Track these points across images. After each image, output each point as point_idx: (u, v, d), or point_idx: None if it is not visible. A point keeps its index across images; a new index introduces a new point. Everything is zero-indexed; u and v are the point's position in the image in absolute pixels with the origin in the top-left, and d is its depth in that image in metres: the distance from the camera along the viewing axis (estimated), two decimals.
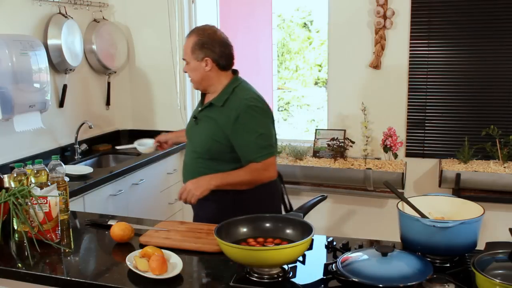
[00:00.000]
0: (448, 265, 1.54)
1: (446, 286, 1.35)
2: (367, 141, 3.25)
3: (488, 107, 3.11)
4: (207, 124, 2.18)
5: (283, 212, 2.39)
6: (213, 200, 2.12)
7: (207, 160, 2.17)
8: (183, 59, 2.23)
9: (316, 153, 3.35)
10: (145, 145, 2.67)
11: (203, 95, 2.32)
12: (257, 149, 2.10)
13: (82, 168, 3.01)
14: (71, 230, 1.99)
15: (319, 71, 11.27)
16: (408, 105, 3.22)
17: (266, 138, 2.13)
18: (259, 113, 2.14)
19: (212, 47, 2.15)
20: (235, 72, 2.27)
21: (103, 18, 3.61)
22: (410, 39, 3.16)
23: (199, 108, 2.26)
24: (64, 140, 3.33)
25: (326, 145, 3.30)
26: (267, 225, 1.60)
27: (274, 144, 2.20)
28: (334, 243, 1.71)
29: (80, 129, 3.35)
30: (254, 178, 2.12)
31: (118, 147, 3.07)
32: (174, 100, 3.73)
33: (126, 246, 1.77)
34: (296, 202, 1.90)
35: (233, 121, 2.09)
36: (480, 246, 1.53)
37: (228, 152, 2.13)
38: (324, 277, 1.47)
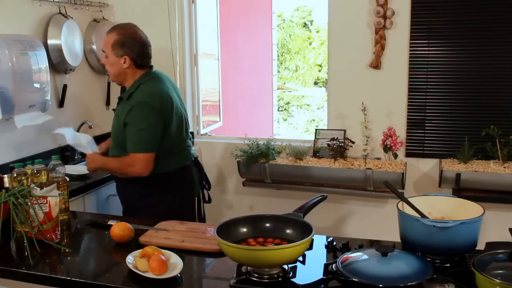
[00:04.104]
0: (448, 265, 1.55)
1: (446, 286, 1.35)
2: (367, 141, 3.25)
3: (488, 107, 3.11)
4: (117, 116, 2.39)
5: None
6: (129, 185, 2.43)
7: (117, 147, 2.40)
8: (102, 50, 2.41)
9: (316, 153, 3.35)
10: (79, 144, 2.57)
11: (123, 88, 2.53)
12: (133, 142, 2.30)
13: (82, 168, 3.00)
14: (71, 230, 1.99)
15: (319, 71, 11.28)
16: (408, 105, 3.22)
17: (145, 134, 2.29)
18: (146, 110, 2.28)
19: (132, 46, 2.35)
20: (151, 67, 2.47)
21: (103, 18, 3.61)
22: (410, 39, 3.16)
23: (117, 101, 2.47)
24: (64, 140, 3.30)
25: (326, 145, 3.30)
26: (267, 225, 1.60)
27: (152, 143, 2.31)
28: (334, 243, 1.71)
29: (80, 129, 3.35)
30: (120, 168, 2.36)
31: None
32: None
33: (126, 246, 1.77)
34: (296, 202, 1.90)
35: (126, 113, 2.30)
36: (480, 246, 1.53)
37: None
38: (324, 277, 1.48)
